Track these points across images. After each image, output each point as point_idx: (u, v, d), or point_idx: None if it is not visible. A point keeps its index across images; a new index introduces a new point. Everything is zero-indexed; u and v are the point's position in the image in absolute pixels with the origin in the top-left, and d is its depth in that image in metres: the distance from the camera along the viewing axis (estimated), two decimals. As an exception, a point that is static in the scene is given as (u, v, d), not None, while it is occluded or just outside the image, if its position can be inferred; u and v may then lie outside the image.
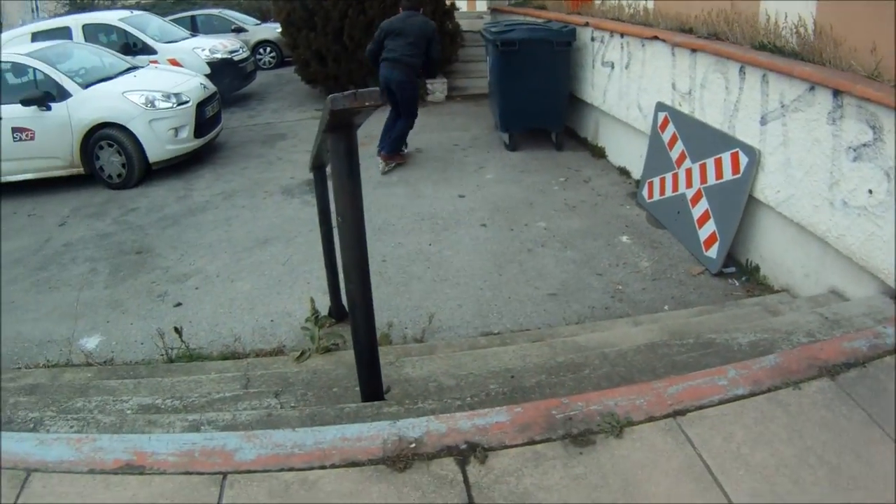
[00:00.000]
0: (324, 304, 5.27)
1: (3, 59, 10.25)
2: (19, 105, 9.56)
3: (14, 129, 9.64)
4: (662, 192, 6.89)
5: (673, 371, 3.18)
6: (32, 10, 63.08)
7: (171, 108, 9.67)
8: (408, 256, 6.51)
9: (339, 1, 12.65)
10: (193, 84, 10.55)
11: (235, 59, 15.22)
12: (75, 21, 15.04)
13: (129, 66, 11.23)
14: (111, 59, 11.48)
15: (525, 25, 9.63)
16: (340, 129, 2.86)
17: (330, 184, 3.28)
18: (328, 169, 3.34)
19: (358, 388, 3.32)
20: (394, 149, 9.63)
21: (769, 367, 2.92)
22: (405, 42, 9.11)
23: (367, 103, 2.66)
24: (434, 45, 9.31)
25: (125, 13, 15.66)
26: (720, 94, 5.94)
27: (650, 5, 8.73)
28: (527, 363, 3.79)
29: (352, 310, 3.16)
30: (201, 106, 10.24)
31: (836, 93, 4.42)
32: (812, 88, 4.68)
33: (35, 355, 5.56)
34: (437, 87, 13.29)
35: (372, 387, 3.21)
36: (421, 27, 9.19)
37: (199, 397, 3.71)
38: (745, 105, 5.57)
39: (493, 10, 15.20)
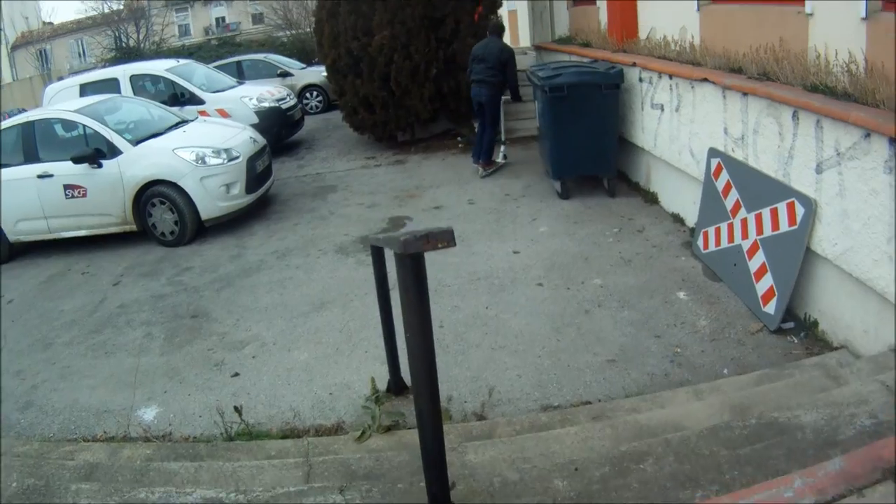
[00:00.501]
0: (381, 375, 5.34)
1: (53, 116, 10.66)
2: (70, 162, 9.79)
3: (66, 187, 9.95)
4: (718, 242, 6.84)
5: (737, 467, 3.17)
6: (79, 55, 64.61)
7: (222, 164, 9.84)
8: (465, 321, 6.52)
9: (385, 47, 12.75)
10: (243, 138, 10.72)
11: (283, 107, 15.41)
12: (123, 72, 15.38)
13: (178, 120, 11.45)
14: (160, 112, 11.76)
15: (572, 68, 9.62)
16: (411, 254, 2.90)
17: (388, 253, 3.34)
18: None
19: (423, 484, 3.36)
20: (489, 156, 11.59)
21: (834, 473, 2.88)
22: (485, 66, 11.01)
23: (439, 245, 2.69)
24: (509, 69, 11.08)
25: (172, 63, 16.01)
26: (774, 141, 5.87)
27: (696, 40, 8.69)
28: (590, 451, 3.79)
29: (419, 417, 3.19)
30: (252, 161, 10.37)
31: (892, 141, 4.34)
32: (868, 135, 4.61)
33: (92, 425, 5.71)
34: (485, 131, 13.32)
35: (439, 491, 3.23)
36: (497, 54, 10.97)
37: (263, 491, 3.77)
38: (800, 152, 5.50)
39: (538, 48, 15.25)
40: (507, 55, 11.11)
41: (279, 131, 14.91)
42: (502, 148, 12.11)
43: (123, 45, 43.40)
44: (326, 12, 13.76)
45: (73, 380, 6.53)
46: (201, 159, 9.77)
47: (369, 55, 12.94)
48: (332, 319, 6.91)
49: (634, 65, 9.05)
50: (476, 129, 11.97)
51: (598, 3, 12.64)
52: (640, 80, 8.98)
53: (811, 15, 6.50)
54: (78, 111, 10.41)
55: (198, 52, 39.27)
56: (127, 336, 7.29)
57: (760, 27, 7.35)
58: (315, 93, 21.60)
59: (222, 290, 8.07)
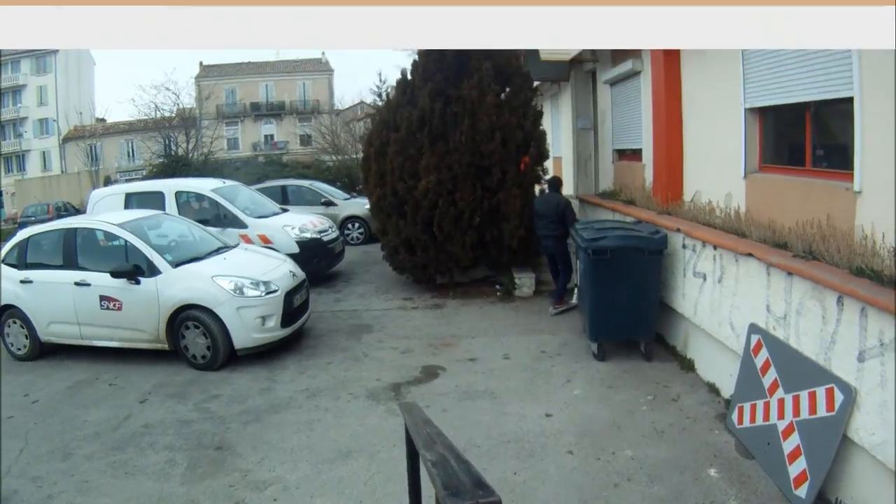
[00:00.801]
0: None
1: (97, 227, 11.01)
2: (108, 275, 10.07)
3: (102, 298, 10.22)
4: (753, 419, 6.79)
5: None
6: (128, 155, 66.42)
7: (260, 296, 10.00)
8: (492, 486, 6.39)
9: (430, 191, 13.02)
10: (283, 272, 10.89)
11: (324, 239, 15.72)
12: (169, 187, 15.94)
13: (219, 245, 11.71)
14: (202, 234, 12.09)
15: (616, 230, 9.68)
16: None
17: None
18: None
19: None
20: (560, 295, 12.38)
21: None
22: (547, 222, 12.10)
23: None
24: (567, 216, 11.89)
25: (217, 183, 16.46)
26: (817, 324, 5.87)
27: (742, 208, 8.78)
28: None
29: None
30: (290, 295, 10.51)
31: (937, 338, 4.38)
32: (912, 329, 4.64)
33: (107, 549, 5.69)
34: (524, 282, 13.52)
35: None
36: (554, 208, 12.01)
37: None
38: (843, 338, 5.50)
39: (581, 200, 15.40)
40: (563, 206, 11.99)
41: (319, 263, 15.20)
42: (577, 291, 12.49)
43: (172, 152, 44.44)
44: (374, 150, 14.09)
45: (91, 496, 6.55)
46: (239, 289, 9.93)
47: (414, 198, 13.19)
48: (357, 470, 6.83)
49: (678, 230, 9.09)
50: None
51: (643, 160, 12.83)
52: (684, 246, 9.03)
53: (859, 193, 6.60)
54: (121, 225, 10.74)
55: (244, 168, 40.14)
56: (149, 458, 7.31)
57: (807, 200, 7.45)
58: (357, 224, 22.08)
59: (249, 423, 8.07)
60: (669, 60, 10.96)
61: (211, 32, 4.77)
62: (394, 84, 14.38)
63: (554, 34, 5.01)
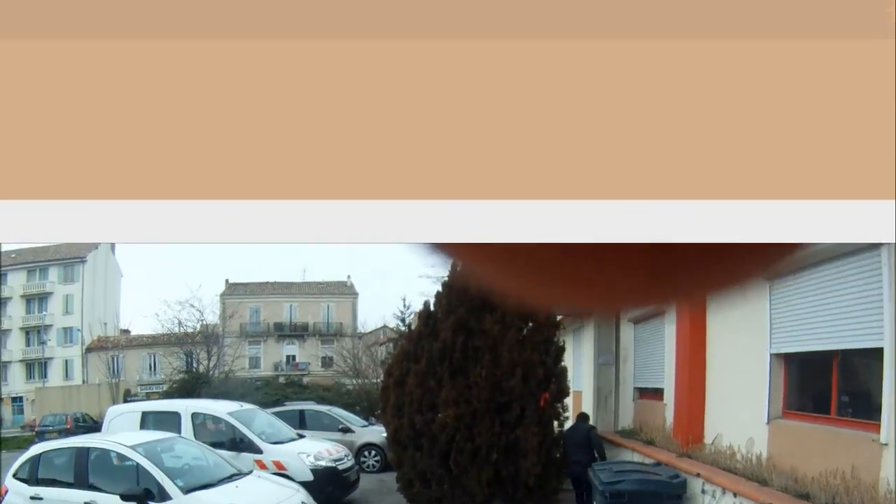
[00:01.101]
0: None
1: (110, 448, 10.97)
2: (118, 497, 9.93)
3: (112, 518, 9.97)
4: None
5: None
6: (150, 368, 66.90)
7: (268, 528, 9.77)
8: None
9: (448, 425, 12.98)
10: (294, 502, 10.74)
11: (340, 467, 15.50)
12: (185, 407, 16.00)
13: (232, 471, 11.59)
14: (215, 459, 12.01)
15: (635, 473, 9.60)
16: None
17: None
18: None
19: None
20: None
21: None
22: (577, 448, 12.65)
23: None
24: (594, 442, 12.65)
25: (235, 406, 16.47)
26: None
27: (763, 453, 8.71)
28: None
29: None
30: (299, 528, 10.27)
31: None
32: None
33: None
34: (539, 521, 13.21)
35: None
36: (583, 436, 12.73)
37: None
38: None
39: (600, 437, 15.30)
40: (589, 429, 12.91)
41: (333, 492, 14.92)
42: None
43: (193, 369, 44.83)
44: (393, 380, 14.23)
45: None
46: (248, 521, 9.75)
47: (431, 431, 13.14)
48: None
49: (698, 475, 9.04)
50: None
51: (664, 399, 12.83)
52: (703, 491, 8.94)
53: (886, 445, 6.57)
54: (134, 447, 10.71)
55: (264, 388, 40.30)
56: None
57: (832, 449, 7.46)
58: (373, 451, 21.75)
59: None
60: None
61: (232, 226, 5.00)
62: (417, 311, 14.66)
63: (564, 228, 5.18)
